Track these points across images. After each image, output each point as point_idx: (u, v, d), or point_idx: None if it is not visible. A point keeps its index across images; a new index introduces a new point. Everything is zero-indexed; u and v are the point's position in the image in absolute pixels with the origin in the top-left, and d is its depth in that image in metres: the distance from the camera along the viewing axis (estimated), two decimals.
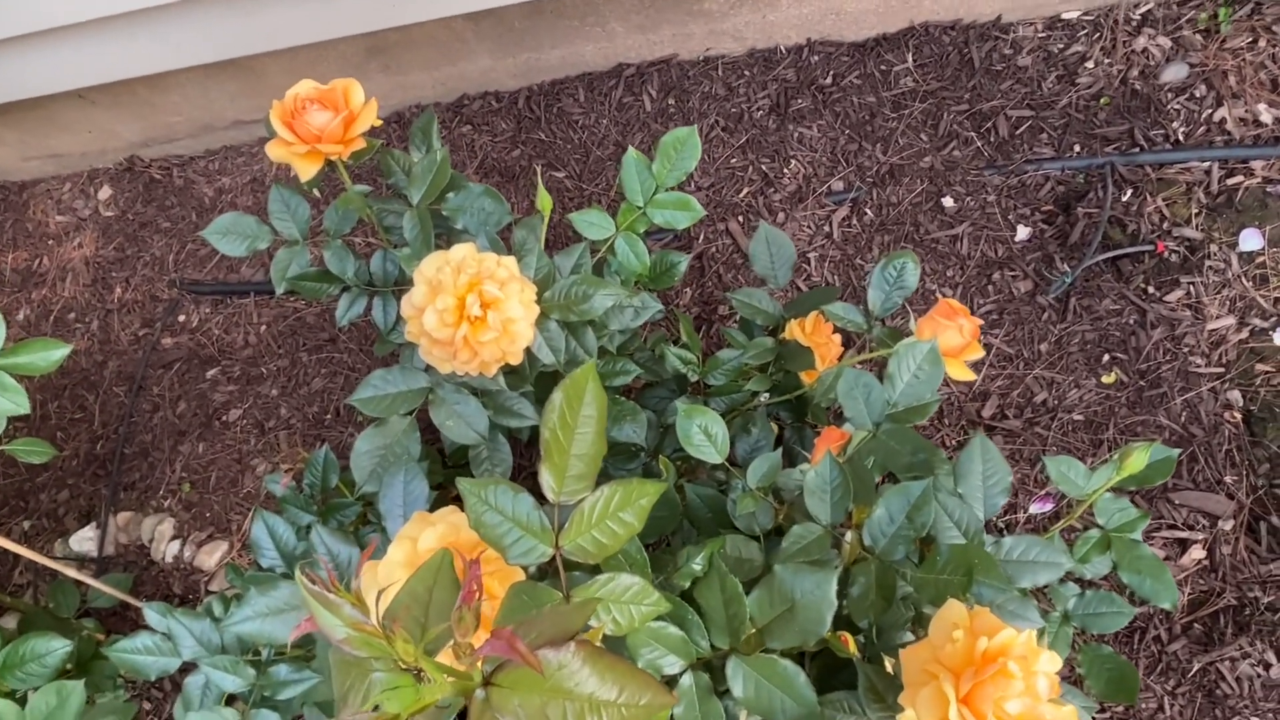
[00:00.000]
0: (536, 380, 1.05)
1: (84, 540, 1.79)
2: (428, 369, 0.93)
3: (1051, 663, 0.64)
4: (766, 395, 1.16)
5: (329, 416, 1.78)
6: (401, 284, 1.22)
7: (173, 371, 1.89)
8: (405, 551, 0.74)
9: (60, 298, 2.03)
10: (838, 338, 1.17)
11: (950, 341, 0.96)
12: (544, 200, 1.04)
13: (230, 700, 0.97)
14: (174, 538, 1.76)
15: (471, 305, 0.84)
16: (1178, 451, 0.93)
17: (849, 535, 0.84)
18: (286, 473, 1.34)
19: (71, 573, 1.35)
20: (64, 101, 1.90)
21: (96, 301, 2.01)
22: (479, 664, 0.41)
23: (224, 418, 1.83)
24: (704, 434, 0.89)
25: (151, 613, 1.21)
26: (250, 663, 0.90)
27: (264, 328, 1.89)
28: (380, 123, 1.05)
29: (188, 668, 1.01)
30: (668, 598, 0.72)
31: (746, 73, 1.75)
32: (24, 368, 1.00)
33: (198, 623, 0.95)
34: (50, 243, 2.09)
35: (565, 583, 0.67)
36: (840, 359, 1.15)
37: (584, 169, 1.79)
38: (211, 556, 1.71)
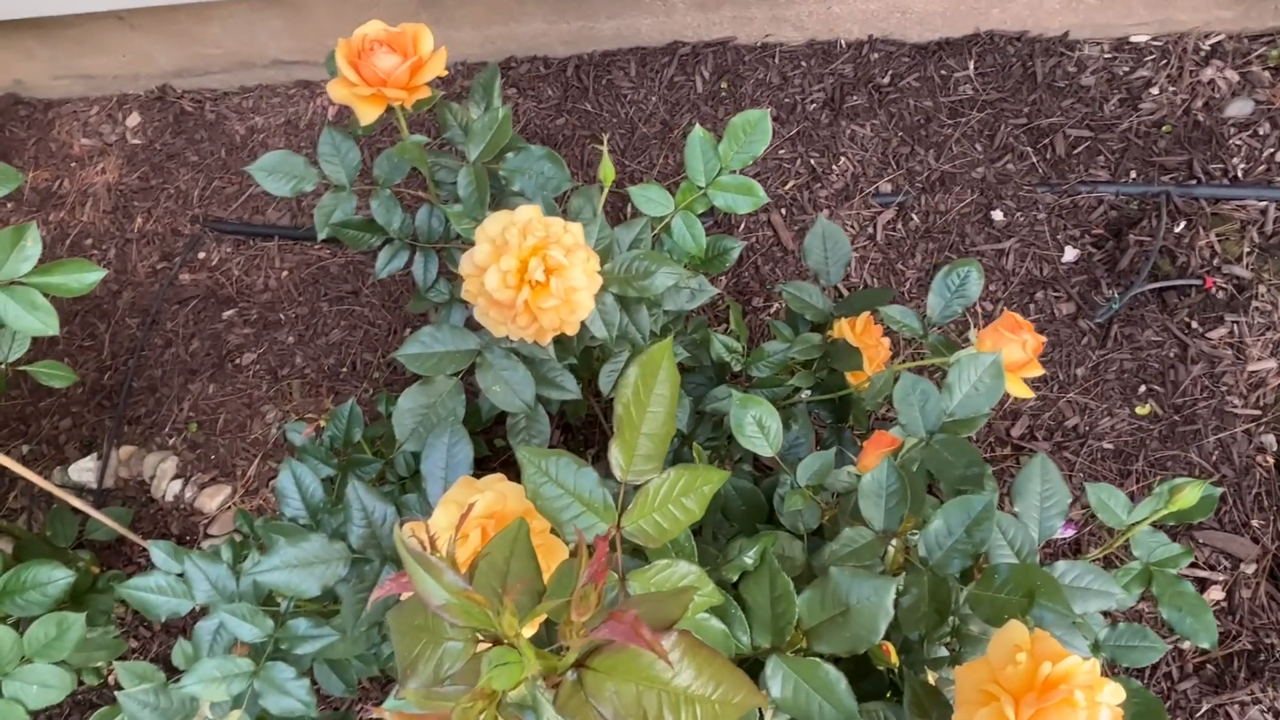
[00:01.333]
0: (580, 355, 1.03)
1: (83, 471, 1.76)
2: (478, 330, 0.90)
3: (1115, 695, 0.62)
4: (808, 392, 1.14)
5: (344, 370, 1.75)
6: (446, 241, 1.19)
7: (188, 308, 1.86)
8: (451, 516, 0.71)
9: (79, 222, 1.98)
10: (886, 341, 1.14)
11: (1012, 356, 0.94)
12: (607, 170, 1.01)
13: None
14: (176, 477, 1.73)
15: (535, 269, 0.81)
16: (1220, 490, 0.91)
17: (893, 543, 0.82)
18: (309, 423, 1.31)
19: (74, 501, 1.32)
20: (103, 22, 1.85)
21: (115, 230, 1.96)
22: (578, 644, 0.38)
23: (237, 360, 1.79)
24: (758, 425, 0.87)
25: (158, 551, 1.18)
26: (268, 613, 0.87)
27: (285, 273, 1.86)
28: (446, 73, 1.02)
29: (196, 613, 0.98)
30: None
31: (804, 64, 1.72)
32: (56, 288, 0.97)
33: (214, 567, 0.92)
34: (73, 165, 2.04)
35: (621, 564, 0.64)
36: (888, 363, 1.13)
37: (629, 144, 1.76)
38: (214, 500, 1.68)
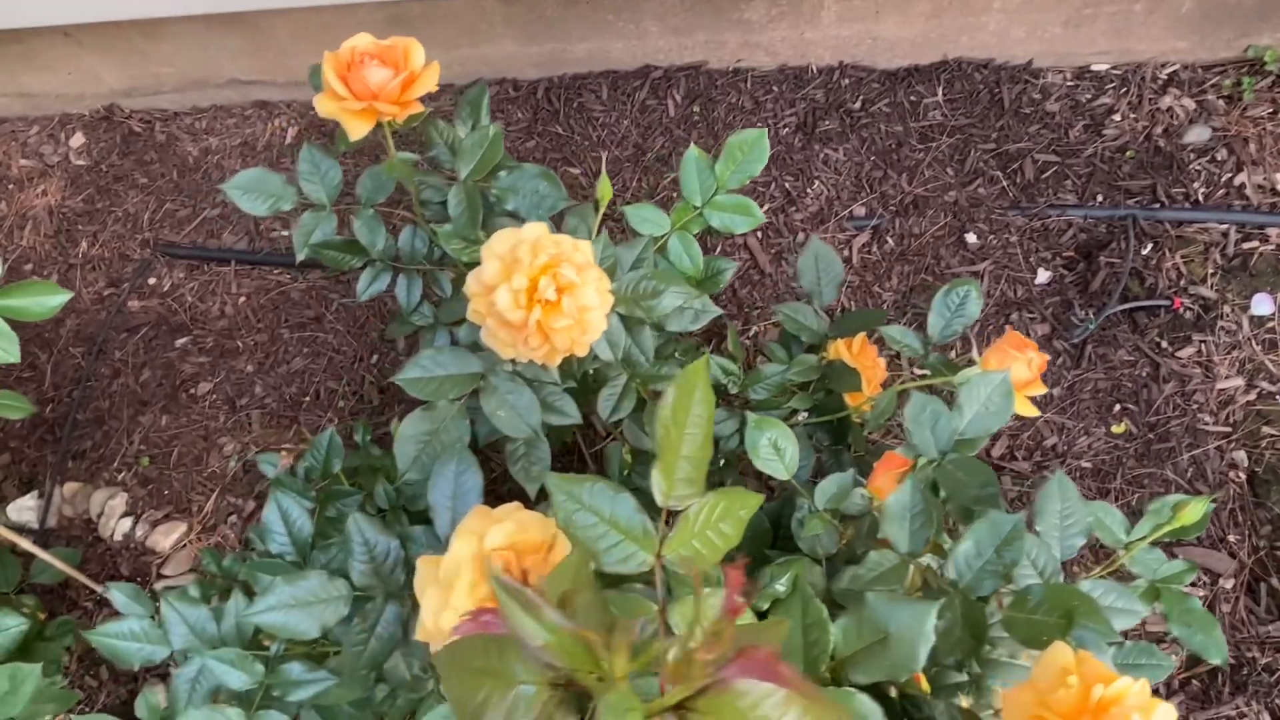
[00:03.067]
0: (579, 380, 1.00)
1: (23, 510, 1.65)
2: (478, 353, 0.87)
3: (1168, 715, 0.61)
4: (805, 415, 1.12)
5: (307, 399, 1.68)
6: (430, 263, 1.15)
7: (138, 336, 1.77)
8: (471, 547, 0.67)
9: (18, 246, 1.88)
10: (882, 361, 1.13)
11: (1018, 375, 0.94)
12: (604, 188, 0.99)
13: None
14: (126, 514, 1.63)
15: (546, 288, 0.78)
16: (1213, 505, 0.92)
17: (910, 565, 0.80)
18: (286, 454, 1.24)
19: (21, 542, 1.23)
20: (48, 38, 1.77)
21: (58, 254, 1.87)
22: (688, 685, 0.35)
23: (192, 390, 1.71)
24: (773, 448, 0.85)
25: (119, 594, 1.11)
26: (258, 658, 0.81)
27: (243, 299, 1.78)
28: (437, 88, 0.99)
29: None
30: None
31: (775, 89, 1.72)
32: (17, 311, 0.91)
33: (192, 609, 0.86)
34: (11, 187, 1.94)
35: (662, 594, 0.61)
36: (884, 384, 1.12)
37: (601, 168, 1.74)
38: (167, 538, 1.59)
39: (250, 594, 0.90)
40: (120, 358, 1.75)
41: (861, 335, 1.12)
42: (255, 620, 0.73)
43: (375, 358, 1.69)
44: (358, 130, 0.93)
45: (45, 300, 0.91)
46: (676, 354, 1.21)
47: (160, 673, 1.52)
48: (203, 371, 1.73)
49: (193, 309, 1.78)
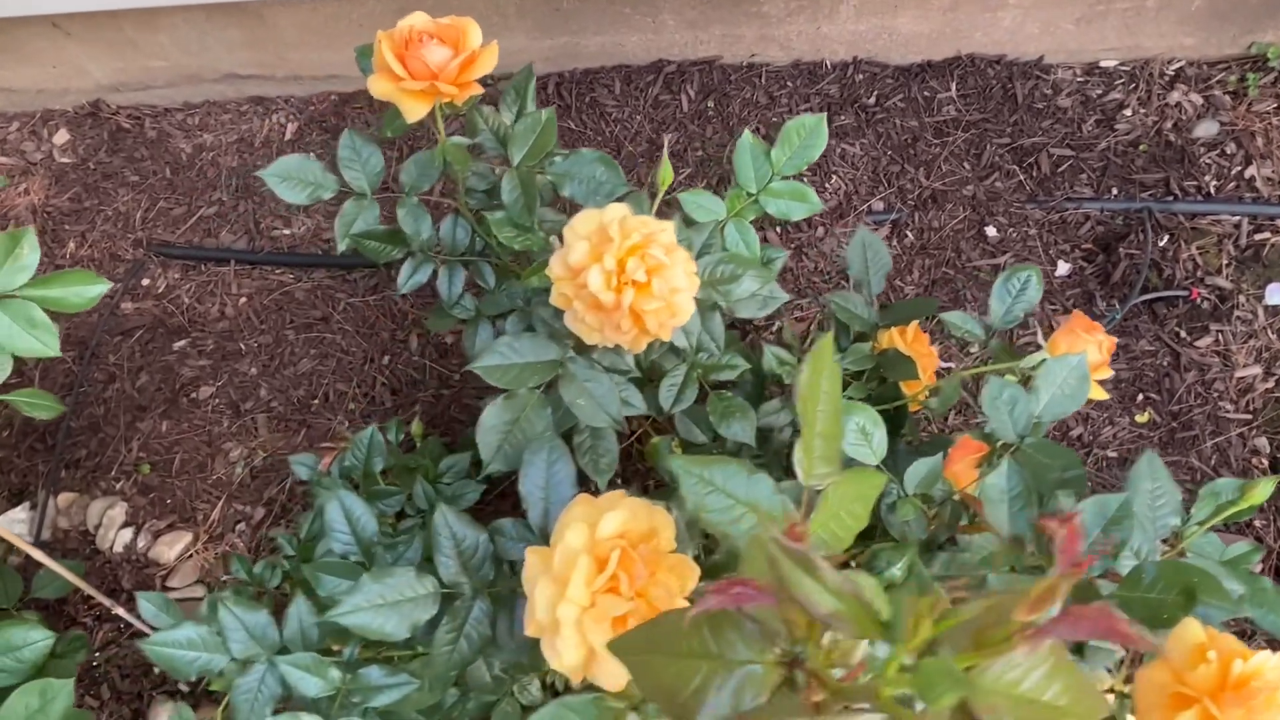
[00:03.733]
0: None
1: (15, 522, 1.57)
2: (555, 340, 0.84)
3: None
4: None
5: (316, 402, 1.62)
6: (472, 254, 1.11)
7: (133, 340, 1.70)
8: (584, 537, 0.64)
9: None
10: (935, 349, 1.13)
11: (1090, 357, 0.93)
12: (665, 174, 0.96)
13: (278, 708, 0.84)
14: (126, 525, 1.56)
15: (635, 270, 0.75)
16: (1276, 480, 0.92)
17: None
18: (327, 453, 1.19)
19: (34, 552, 1.16)
20: (33, 28, 1.70)
21: (44, 255, 1.78)
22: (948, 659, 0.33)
23: (193, 395, 1.64)
24: (861, 433, 0.83)
25: (148, 604, 1.06)
26: (335, 663, 0.77)
27: (244, 300, 1.72)
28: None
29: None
30: None
31: (789, 84, 1.72)
32: (55, 302, 0.85)
33: (253, 614, 0.81)
34: None
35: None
36: (937, 373, 1.11)
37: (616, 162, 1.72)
38: (172, 548, 1.52)
39: (312, 597, 0.85)
40: (115, 362, 1.68)
41: (915, 323, 1.11)
42: (342, 622, 0.69)
43: (387, 358, 1.64)
44: (415, 111, 0.90)
45: (84, 290, 0.86)
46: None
47: (169, 690, 1.45)
48: (204, 375, 1.66)
49: (191, 310, 1.72)
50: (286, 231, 1.76)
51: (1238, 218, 1.54)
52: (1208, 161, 1.59)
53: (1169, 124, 1.63)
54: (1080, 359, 0.90)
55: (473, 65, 0.90)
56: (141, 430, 1.62)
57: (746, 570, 0.44)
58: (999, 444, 0.91)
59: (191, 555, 1.53)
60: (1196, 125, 1.62)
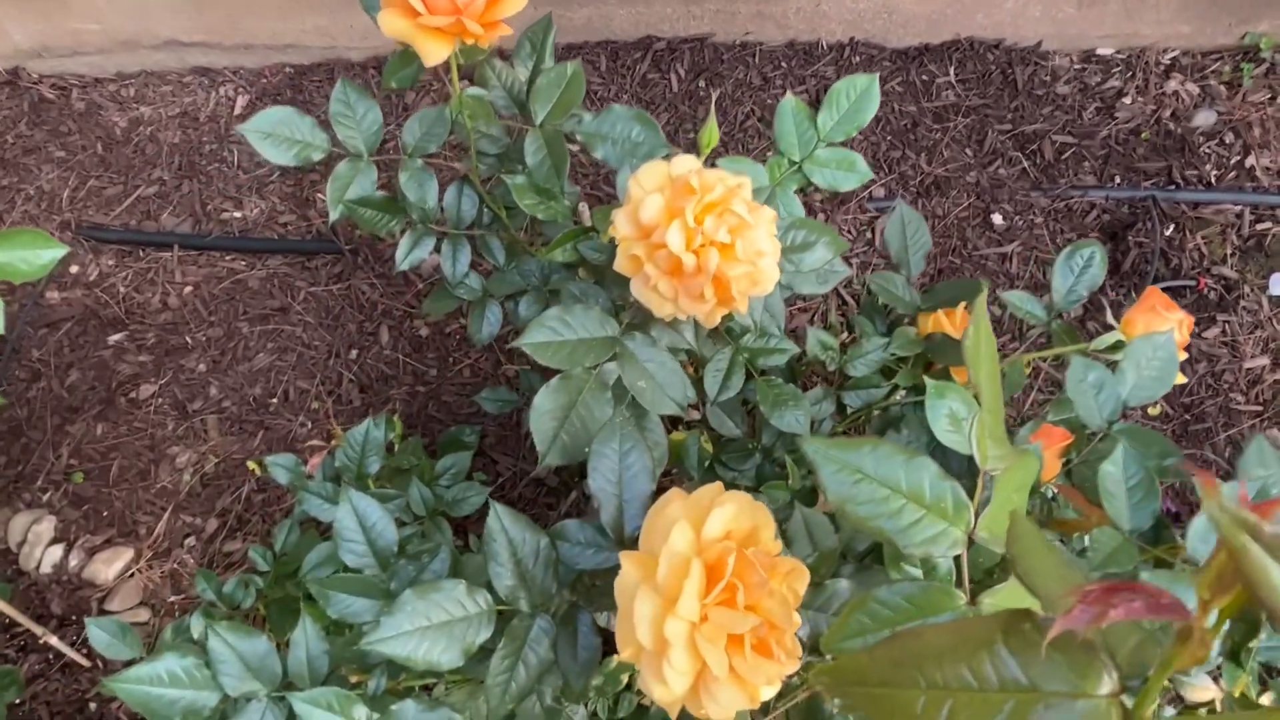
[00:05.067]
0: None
1: None
2: (617, 313, 0.72)
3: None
4: (903, 394, 1.02)
5: (274, 401, 1.47)
6: (479, 227, 0.99)
7: (61, 333, 1.51)
8: (690, 539, 0.53)
9: None
10: None
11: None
12: (710, 134, 0.86)
13: None
14: (55, 541, 1.37)
15: (716, 229, 0.65)
16: None
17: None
18: (314, 453, 1.04)
19: None
20: None
21: None
22: None
23: (132, 394, 1.47)
24: (952, 419, 0.74)
25: (99, 632, 0.91)
26: (361, 698, 0.64)
27: (189, 289, 1.55)
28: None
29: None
30: None
31: (784, 64, 1.64)
32: (2, 270, 0.70)
33: (249, 642, 0.68)
34: None
35: (967, 578, 0.49)
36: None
37: (594, 160, 1.61)
38: (110, 567, 1.35)
39: (323, 620, 0.72)
40: (40, 358, 1.49)
41: (963, 306, 1.03)
42: (383, 650, 0.57)
43: (354, 353, 1.49)
44: (435, 53, 0.78)
45: (37, 255, 0.71)
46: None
47: None
48: (144, 372, 1.48)
49: (128, 301, 1.54)
50: (237, 214, 1.60)
51: (1240, 207, 1.52)
52: (1207, 151, 1.57)
53: (1168, 112, 1.60)
54: (1168, 337, 0.84)
55: (500, 3, 0.79)
56: (72, 434, 1.43)
57: (1021, 563, 0.34)
58: (1086, 432, 0.84)
59: (133, 574, 1.35)
60: (1195, 115, 1.60)
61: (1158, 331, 0.83)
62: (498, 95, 0.94)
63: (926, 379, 0.73)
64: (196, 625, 0.90)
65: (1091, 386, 0.82)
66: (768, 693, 0.55)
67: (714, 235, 0.65)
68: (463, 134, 0.92)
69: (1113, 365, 0.85)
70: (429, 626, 0.58)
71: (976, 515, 0.48)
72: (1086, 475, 0.79)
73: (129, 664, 0.72)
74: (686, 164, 0.69)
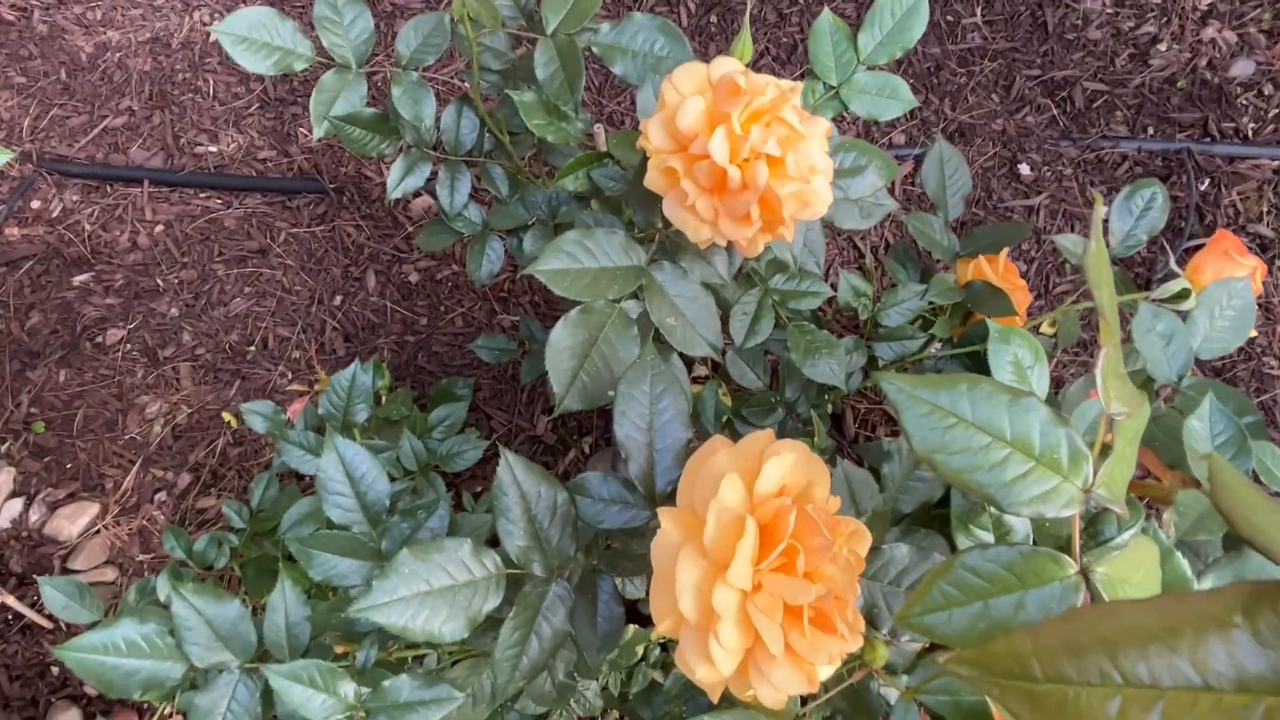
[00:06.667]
0: None
1: None
2: (644, 243, 0.63)
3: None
4: (939, 346, 0.95)
5: (252, 349, 1.37)
6: (480, 154, 0.90)
7: (21, 272, 1.40)
8: (741, 495, 0.45)
9: None
10: (1023, 283, 0.97)
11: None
12: (745, 47, 0.77)
13: None
14: (15, 494, 1.28)
15: (764, 141, 0.56)
16: None
17: (1168, 513, 0.64)
18: (297, 399, 0.95)
19: None
20: None
21: None
22: None
23: (98, 339, 1.37)
24: (1015, 368, 0.66)
25: (53, 591, 0.83)
26: (347, 671, 0.56)
27: (160, 228, 1.44)
28: None
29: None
30: None
31: (800, 1, 1.53)
32: None
33: (220, 606, 0.59)
34: None
35: (1078, 543, 0.41)
36: (1030, 307, 0.96)
37: (605, 83, 1.51)
38: (74, 523, 1.26)
39: (304, 582, 0.64)
40: None
41: (1004, 253, 0.95)
42: (374, 618, 0.48)
43: (339, 299, 1.40)
44: None
45: None
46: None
47: (71, 694, 1.19)
48: (111, 316, 1.38)
49: (94, 239, 1.43)
50: (213, 149, 1.49)
51: (1278, 163, 1.44)
52: (1244, 103, 1.49)
53: (1204, 61, 1.52)
54: (1245, 283, 0.76)
55: None
56: (33, 380, 1.33)
57: (1244, 523, 0.26)
58: (1154, 385, 0.76)
59: (99, 531, 1.26)
60: (1232, 64, 1.51)
61: (1234, 278, 0.76)
62: (503, 5, 0.84)
63: (989, 321, 0.65)
64: (163, 586, 0.82)
65: (1160, 336, 0.74)
66: (824, 673, 0.47)
67: (762, 147, 0.56)
68: (463, 46, 0.82)
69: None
70: (429, 592, 0.50)
71: (1096, 470, 0.40)
72: (1155, 434, 0.71)
73: (91, 628, 0.63)
74: (728, 65, 0.59)
